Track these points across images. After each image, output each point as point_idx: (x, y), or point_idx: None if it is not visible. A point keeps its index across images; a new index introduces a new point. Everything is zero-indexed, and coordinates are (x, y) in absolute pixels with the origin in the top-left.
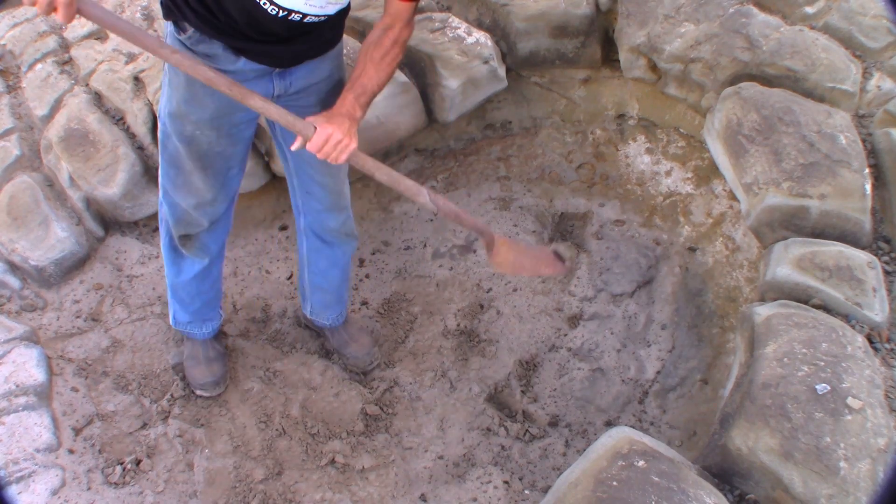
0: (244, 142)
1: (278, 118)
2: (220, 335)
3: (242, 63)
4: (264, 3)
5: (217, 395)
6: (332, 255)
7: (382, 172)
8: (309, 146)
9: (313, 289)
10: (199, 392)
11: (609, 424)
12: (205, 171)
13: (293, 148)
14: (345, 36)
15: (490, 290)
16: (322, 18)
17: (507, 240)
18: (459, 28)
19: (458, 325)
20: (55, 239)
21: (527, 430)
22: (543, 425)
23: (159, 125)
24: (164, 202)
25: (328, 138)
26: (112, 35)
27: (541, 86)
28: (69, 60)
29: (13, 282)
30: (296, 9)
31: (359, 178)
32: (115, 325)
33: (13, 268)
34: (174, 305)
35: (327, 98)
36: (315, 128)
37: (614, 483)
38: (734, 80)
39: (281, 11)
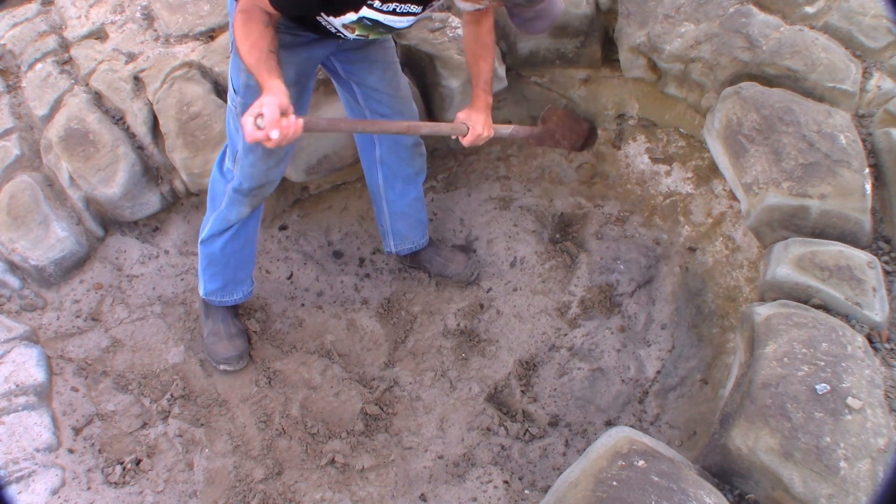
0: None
1: (432, 130)
2: (239, 315)
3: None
4: (343, 36)
5: (241, 370)
6: (407, 174)
7: (507, 130)
8: (465, 142)
9: (394, 217)
10: (222, 367)
11: (609, 424)
12: None
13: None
14: None
15: (490, 289)
16: None
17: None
18: (459, 28)
19: (458, 324)
20: (55, 238)
21: (527, 430)
22: (543, 425)
23: (231, 108)
24: (241, 184)
25: (479, 136)
26: (112, 34)
27: (541, 85)
28: (69, 60)
29: (13, 281)
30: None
31: (359, 178)
32: (115, 325)
33: (13, 267)
34: (206, 274)
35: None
36: (467, 126)
37: (614, 483)
38: (734, 79)
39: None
